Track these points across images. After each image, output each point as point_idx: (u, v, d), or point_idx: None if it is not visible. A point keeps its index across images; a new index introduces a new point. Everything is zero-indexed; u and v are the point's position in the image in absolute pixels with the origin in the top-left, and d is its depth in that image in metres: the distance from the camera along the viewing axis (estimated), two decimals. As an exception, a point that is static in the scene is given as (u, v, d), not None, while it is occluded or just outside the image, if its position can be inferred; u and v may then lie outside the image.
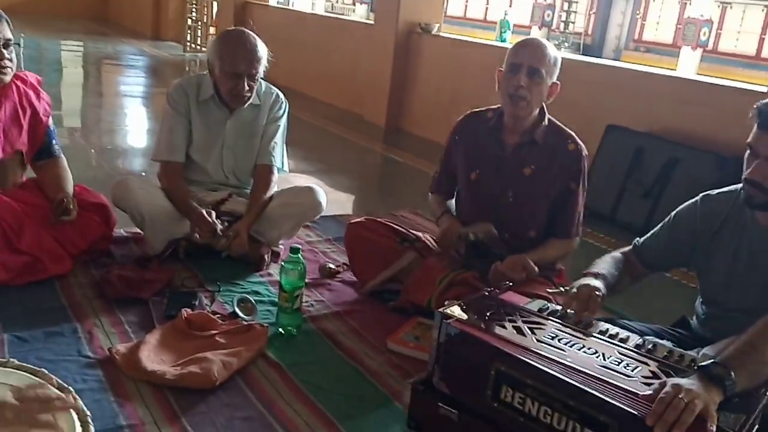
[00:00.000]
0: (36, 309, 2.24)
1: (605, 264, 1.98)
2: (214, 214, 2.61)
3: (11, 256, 2.34)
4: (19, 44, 2.37)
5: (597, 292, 1.81)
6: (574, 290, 1.83)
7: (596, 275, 1.90)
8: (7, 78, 2.36)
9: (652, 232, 2.05)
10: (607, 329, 1.78)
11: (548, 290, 2.13)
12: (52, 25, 12.15)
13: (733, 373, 1.46)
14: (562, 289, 1.93)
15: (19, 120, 2.46)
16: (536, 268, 2.27)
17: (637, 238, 2.07)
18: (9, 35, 2.32)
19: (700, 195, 1.95)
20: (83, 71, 8.98)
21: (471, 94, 5.28)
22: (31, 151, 2.54)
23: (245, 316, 2.31)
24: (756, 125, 1.70)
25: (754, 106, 1.70)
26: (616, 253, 2.06)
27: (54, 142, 2.62)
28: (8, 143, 2.44)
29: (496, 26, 8.83)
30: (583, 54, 21.34)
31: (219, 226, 2.58)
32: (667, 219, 2.02)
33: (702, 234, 1.90)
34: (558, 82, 2.31)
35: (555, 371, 1.55)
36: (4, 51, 2.29)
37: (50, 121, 2.60)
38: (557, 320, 1.81)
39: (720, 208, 1.88)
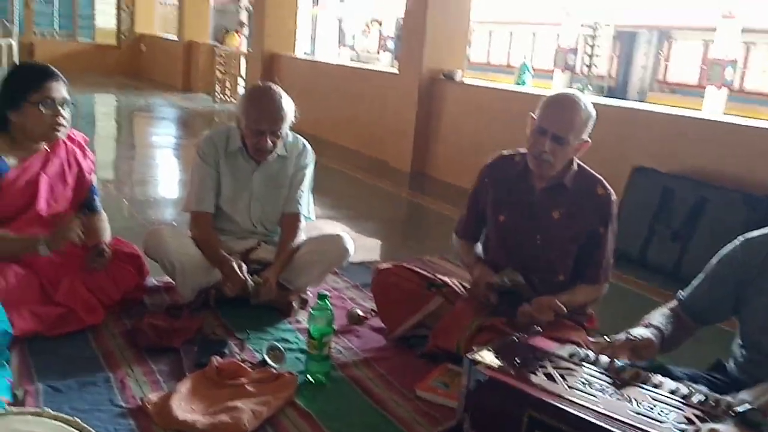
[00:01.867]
0: (70, 359, 2.28)
1: (657, 316, 1.95)
2: (245, 267, 2.64)
3: (47, 308, 2.39)
4: (74, 104, 2.48)
5: (631, 338, 1.79)
6: (614, 338, 1.82)
7: (647, 325, 1.88)
8: (62, 135, 2.48)
9: (693, 282, 2.00)
10: (641, 374, 1.76)
11: (589, 340, 2.10)
12: (87, 80, 12.52)
13: (770, 420, 1.43)
14: (605, 338, 1.89)
15: (65, 177, 2.57)
16: (564, 308, 2.25)
17: (680, 291, 2.03)
18: (66, 95, 2.45)
19: (740, 238, 1.91)
20: (116, 124, 9.23)
21: (495, 138, 5.32)
22: (73, 206, 2.63)
23: (274, 364, 2.31)
24: None
25: None
26: (664, 308, 2.02)
27: (96, 198, 2.72)
28: (53, 198, 2.54)
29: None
30: (607, 96, 21.42)
31: (250, 282, 2.61)
32: (707, 266, 1.97)
33: (744, 278, 1.87)
34: (588, 140, 2.31)
35: (590, 417, 1.53)
36: (61, 109, 2.40)
37: (94, 178, 2.71)
38: (590, 366, 1.79)
39: (761, 250, 1.85)
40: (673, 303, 2.03)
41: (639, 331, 1.84)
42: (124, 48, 15.97)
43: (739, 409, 1.47)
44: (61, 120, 2.42)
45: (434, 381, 2.28)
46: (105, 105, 10.62)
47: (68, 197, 2.59)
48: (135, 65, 15.65)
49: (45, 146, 2.49)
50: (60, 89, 2.42)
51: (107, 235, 2.67)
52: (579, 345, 2.08)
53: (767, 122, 4.85)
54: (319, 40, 28.78)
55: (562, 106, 2.28)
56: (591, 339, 2.11)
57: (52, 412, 1.64)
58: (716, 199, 3.84)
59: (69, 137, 2.59)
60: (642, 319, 1.95)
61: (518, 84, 16.58)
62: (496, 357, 1.79)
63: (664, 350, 1.89)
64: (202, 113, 10.31)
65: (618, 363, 1.79)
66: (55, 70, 2.46)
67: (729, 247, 1.94)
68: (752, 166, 3.87)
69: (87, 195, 2.67)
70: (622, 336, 1.83)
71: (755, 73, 20.44)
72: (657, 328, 1.87)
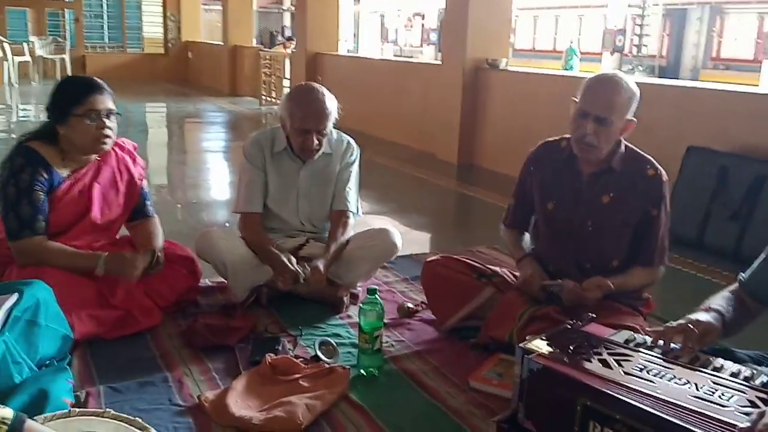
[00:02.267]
0: (129, 360, 2.34)
1: (717, 299, 1.89)
2: (295, 260, 2.66)
3: (105, 311, 2.45)
4: (120, 114, 2.53)
5: (693, 327, 1.73)
6: (672, 323, 1.77)
7: (707, 309, 1.82)
8: (108, 146, 2.52)
9: (756, 262, 1.92)
10: (700, 358, 1.71)
11: (647, 328, 2.05)
12: (137, 88, 12.85)
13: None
14: (665, 324, 1.84)
15: (116, 184, 2.63)
16: (612, 286, 2.20)
17: (741, 273, 1.96)
18: (111, 106, 2.48)
19: None
20: (167, 130, 9.44)
21: (542, 125, 5.23)
22: (126, 213, 2.69)
23: (327, 359, 2.33)
24: None
25: None
26: (725, 292, 1.95)
27: (148, 203, 2.77)
28: (107, 205, 2.60)
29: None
30: (659, 76, 20.90)
31: (302, 274, 2.62)
32: None
33: None
34: (633, 119, 2.25)
35: (645, 405, 1.49)
36: (106, 121, 2.45)
37: (145, 183, 2.76)
38: (647, 351, 1.75)
39: None
40: (735, 285, 1.96)
41: (699, 316, 1.78)
42: (171, 56, 16.35)
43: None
44: (107, 131, 2.45)
45: (488, 372, 2.26)
46: (155, 112, 10.88)
47: (121, 204, 2.65)
48: (183, 72, 16.00)
49: (96, 156, 2.55)
50: (104, 101, 2.45)
51: (160, 240, 2.72)
52: (635, 330, 2.04)
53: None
54: (362, 36, 28.86)
55: (603, 86, 2.23)
56: (648, 326, 2.06)
57: (113, 413, 1.69)
58: (776, 176, 3.70)
59: (119, 145, 2.64)
60: (702, 304, 1.89)
61: (566, 68, 16.31)
62: (549, 345, 1.76)
63: (726, 335, 1.82)
64: (249, 116, 10.45)
65: (676, 347, 1.74)
66: (99, 81, 2.49)
67: None
68: (814, 139, 3.71)
69: (139, 201, 2.72)
70: (681, 321, 1.78)
71: (815, 43, 19.65)
72: (718, 312, 1.81)
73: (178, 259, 2.74)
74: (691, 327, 1.73)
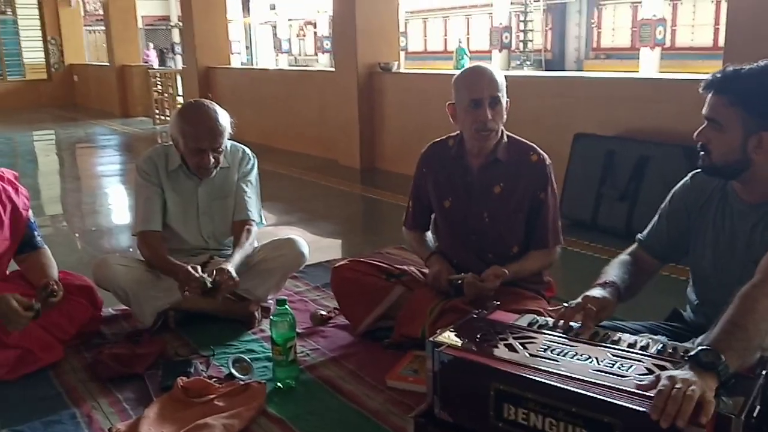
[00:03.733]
0: (32, 400, 2.23)
1: (613, 269, 1.98)
2: (200, 268, 2.56)
3: (3, 353, 2.32)
4: None
5: (590, 305, 1.82)
6: (571, 304, 1.84)
7: (604, 284, 1.90)
8: None
9: (652, 222, 2.04)
10: (599, 333, 1.79)
11: (549, 308, 2.13)
12: (22, 117, 12.24)
13: (723, 356, 1.47)
14: (564, 305, 1.92)
15: (0, 217, 2.48)
16: (507, 272, 2.29)
17: (639, 234, 2.07)
18: None
19: (690, 173, 1.96)
20: (58, 158, 9.03)
21: (437, 124, 5.31)
22: (14, 246, 2.54)
23: (242, 376, 2.30)
24: None
25: None
26: (623, 256, 2.05)
27: (36, 233, 2.62)
28: None
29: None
30: (546, 69, 21.72)
31: (208, 279, 2.50)
32: (662, 207, 2.02)
33: (693, 209, 1.92)
34: (508, 99, 2.37)
35: (552, 381, 1.55)
36: None
37: (30, 213, 2.61)
38: (549, 332, 1.81)
39: (706, 184, 1.91)
40: (633, 247, 2.07)
41: (595, 293, 1.87)
42: (55, 81, 15.65)
43: (692, 352, 1.50)
44: None
45: (403, 369, 2.29)
46: (43, 140, 10.39)
47: (6, 237, 2.50)
48: (69, 96, 15.36)
49: None
50: None
51: (54, 272, 2.57)
52: (538, 313, 2.11)
53: (698, 75, 4.98)
54: (257, 48, 28.58)
55: (481, 72, 2.36)
56: (550, 308, 2.14)
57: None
58: (657, 156, 3.92)
59: None
60: (599, 275, 1.98)
61: (458, 68, 16.69)
62: (458, 336, 1.80)
63: (623, 300, 1.92)
64: (143, 136, 10.16)
65: (575, 325, 1.82)
66: None
67: (679, 184, 1.99)
68: (687, 118, 3.93)
69: (26, 232, 2.57)
70: (579, 300, 1.86)
71: (685, 29, 20.92)
72: (613, 284, 1.90)
73: (76, 289, 2.61)
74: (589, 305, 1.82)
